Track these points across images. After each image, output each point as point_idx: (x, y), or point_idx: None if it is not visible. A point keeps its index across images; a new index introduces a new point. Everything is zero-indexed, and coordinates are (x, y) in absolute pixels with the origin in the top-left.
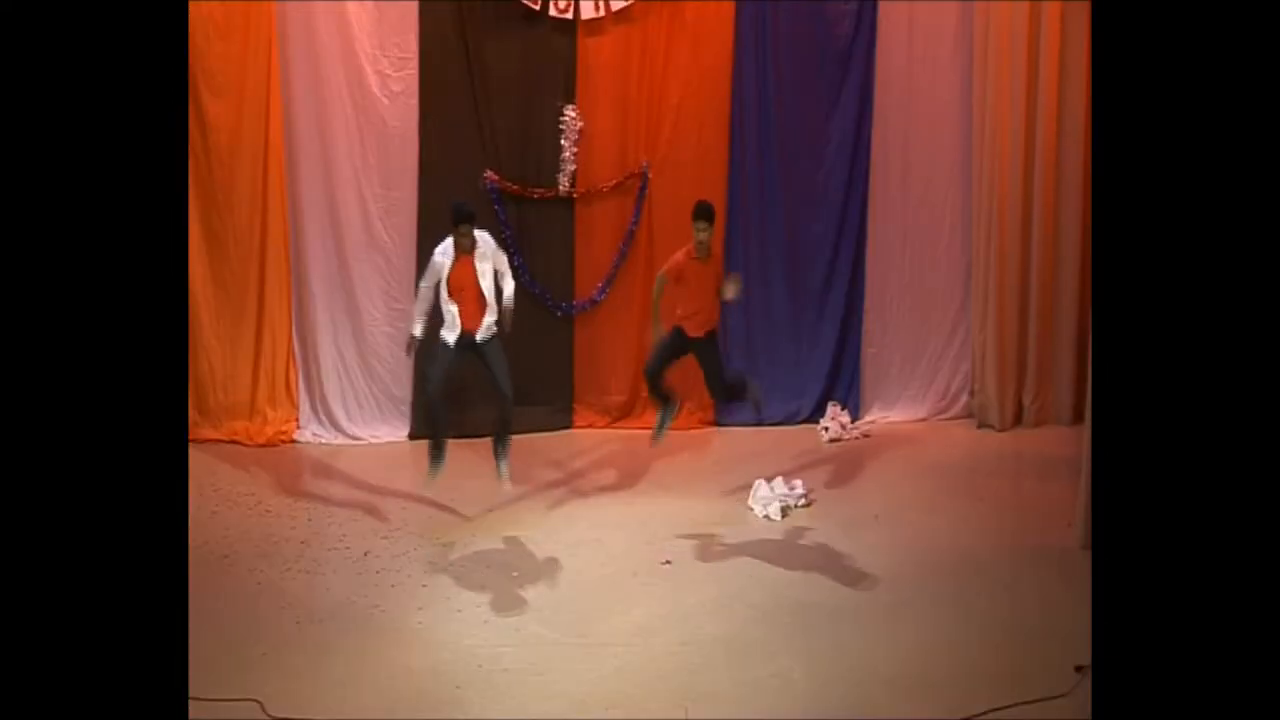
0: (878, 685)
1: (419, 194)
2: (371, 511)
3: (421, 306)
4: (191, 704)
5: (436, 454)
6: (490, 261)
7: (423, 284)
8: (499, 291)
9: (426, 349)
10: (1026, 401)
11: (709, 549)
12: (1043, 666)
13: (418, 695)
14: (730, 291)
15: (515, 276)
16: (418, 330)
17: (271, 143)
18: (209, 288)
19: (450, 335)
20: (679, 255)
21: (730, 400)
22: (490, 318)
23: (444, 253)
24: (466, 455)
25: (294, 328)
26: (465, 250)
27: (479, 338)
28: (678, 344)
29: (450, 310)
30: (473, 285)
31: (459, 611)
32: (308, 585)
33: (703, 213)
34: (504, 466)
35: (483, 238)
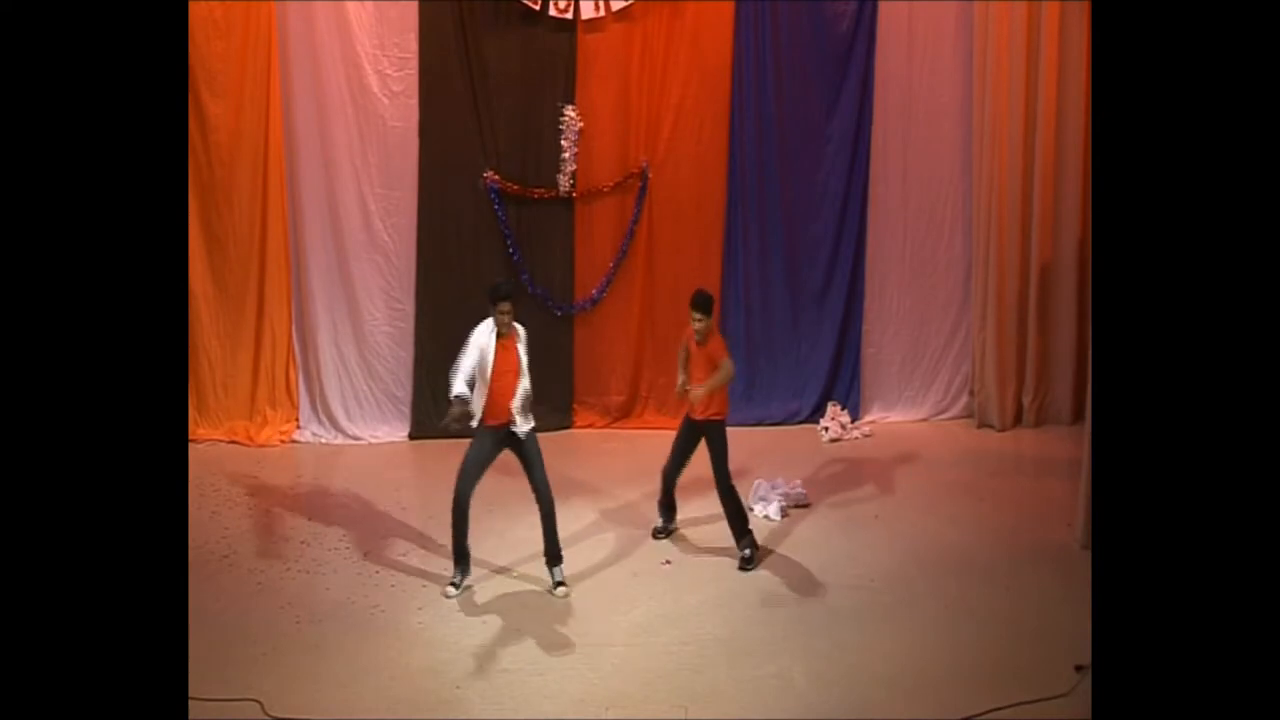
0: (878, 685)
1: (419, 194)
2: (371, 511)
3: (459, 380)
4: (191, 704)
5: (462, 560)
6: (524, 353)
7: (463, 362)
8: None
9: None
10: (1026, 401)
11: (709, 549)
12: (1043, 666)
13: (418, 695)
14: (715, 381)
15: (515, 276)
16: (460, 389)
17: (271, 143)
18: (209, 288)
19: (486, 426)
20: (686, 333)
21: (729, 512)
22: (527, 413)
23: (489, 333)
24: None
25: (294, 328)
26: (506, 334)
27: (520, 434)
28: (687, 431)
29: (488, 398)
30: (514, 373)
31: (459, 611)
32: (308, 585)
33: (696, 303)
34: (558, 573)
35: (518, 328)
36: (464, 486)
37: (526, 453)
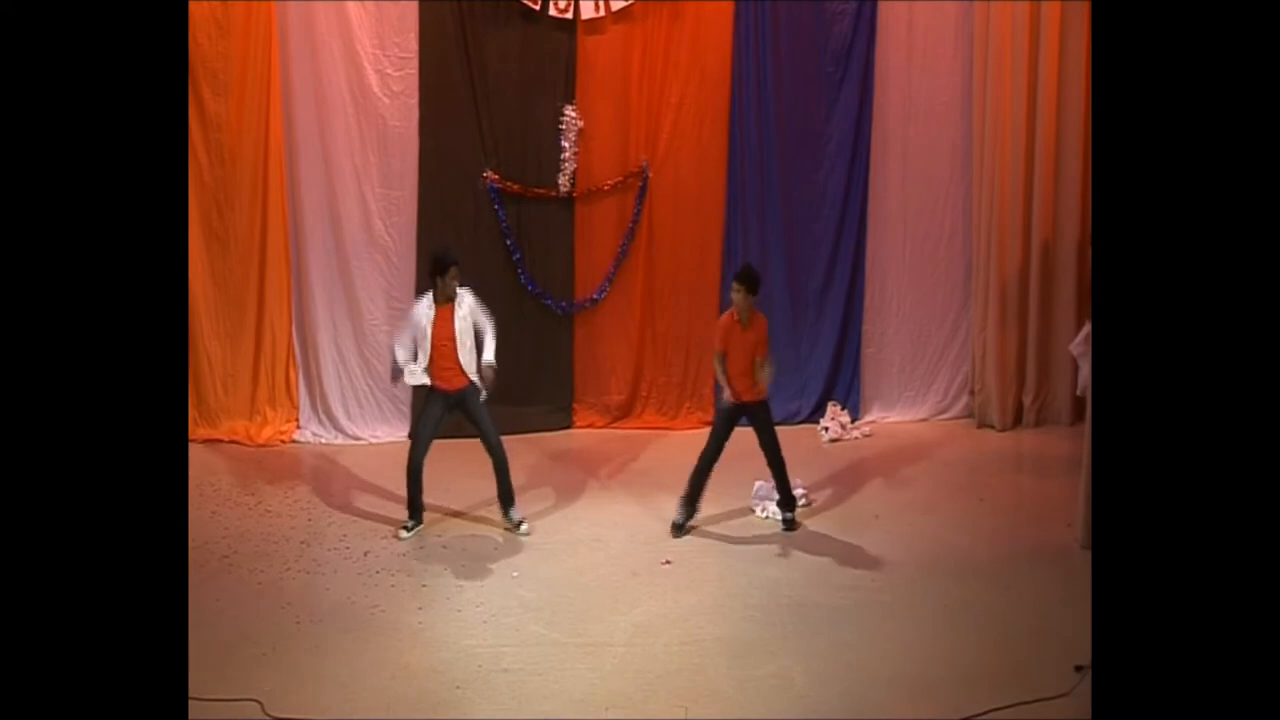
0: (877, 685)
1: (419, 194)
2: (371, 511)
3: (402, 354)
4: (191, 704)
5: (415, 513)
6: (469, 318)
7: (399, 338)
8: (479, 349)
9: (423, 398)
10: (1026, 401)
11: (709, 549)
12: (1043, 666)
13: (418, 695)
14: (767, 376)
15: (514, 275)
16: (401, 358)
17: (271, 142)
18: (209, 288)
19: (435, 392)
20: (723, 320)
21: (781, 482)
22: (472, 374)
23: (425, 305)
24: (466, 455)
25: (294, 328)
26: (443, 302)
27: (462, 395)
28: (728, 416)
29: (428, 367)
30: (450, 340)
31: (459, 611)
32: (308, 585)
33: (740, 276)
34: (514, 513)
35: (463, 293)
36: (416, 453)
37: (472, 413)
